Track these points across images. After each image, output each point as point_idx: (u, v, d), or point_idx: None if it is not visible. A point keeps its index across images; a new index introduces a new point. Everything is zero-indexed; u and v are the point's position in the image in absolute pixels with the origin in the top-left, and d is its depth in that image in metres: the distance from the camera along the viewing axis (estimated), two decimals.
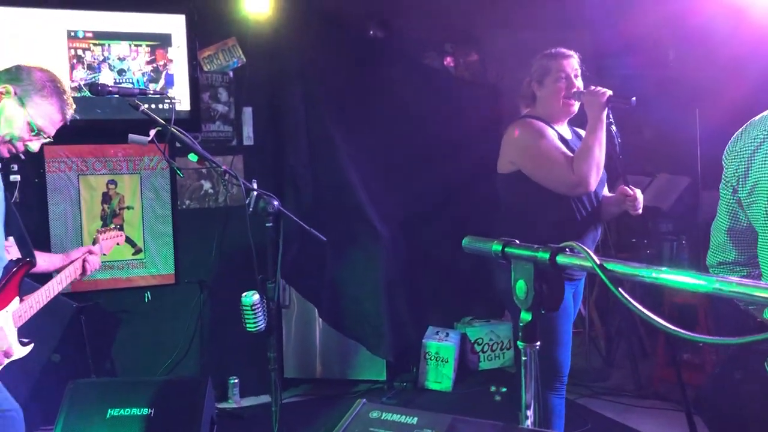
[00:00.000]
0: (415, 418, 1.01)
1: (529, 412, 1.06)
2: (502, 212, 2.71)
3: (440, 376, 4.15)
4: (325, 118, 4.06)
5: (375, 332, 4.04)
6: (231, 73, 3.97)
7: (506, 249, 1.05)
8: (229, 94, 3.98)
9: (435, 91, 4.43)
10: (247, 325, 2.85)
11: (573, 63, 2.66)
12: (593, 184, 2.52)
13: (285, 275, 4.07)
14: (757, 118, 1.72)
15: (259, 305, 2.80)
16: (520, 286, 1.03)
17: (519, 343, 1.08)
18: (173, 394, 3.11)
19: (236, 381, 3.97)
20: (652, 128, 5.46)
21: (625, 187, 2.60)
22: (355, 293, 4.06)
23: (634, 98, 2.56)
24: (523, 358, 1.08)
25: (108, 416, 2.95)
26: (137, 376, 3.71)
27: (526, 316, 1.05)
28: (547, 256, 0.98)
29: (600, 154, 2.53)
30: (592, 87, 2.59)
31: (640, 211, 2.62)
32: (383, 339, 4.02)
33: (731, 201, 1.76)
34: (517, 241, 1.07)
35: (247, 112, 4.00)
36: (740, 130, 1.76)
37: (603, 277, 0.92)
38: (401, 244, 4.16)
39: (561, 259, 0.97)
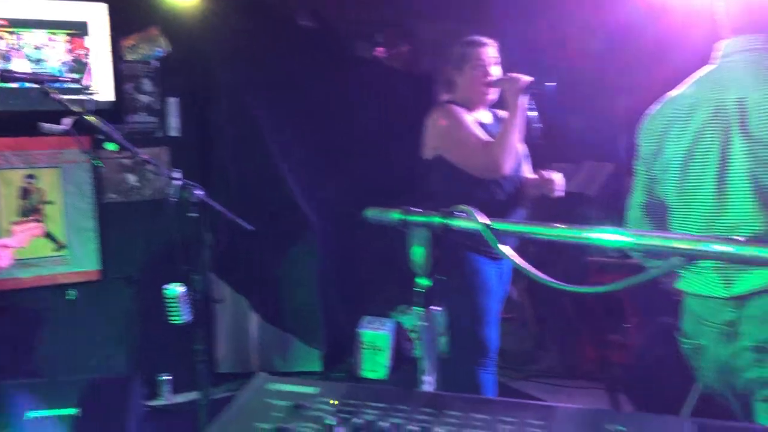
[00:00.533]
0: (316, 388, 1.00)
1: (429, 379, 1.07)
2: (429, 197, 2.73)
3: (375, 365, 4.16)
4: (253, 108, 4.01)
5: (309, 324, 4.02)
6: (155, 63, 3.87)
7: (405, 217, 1.06)
8: (153, 84, 3.88)
9: (365, 82, 4.42)
10: (172, 318, 2.80)
11: (490, 51, 2.74)
12: (507, 168, 2.59)
13: (216, 269, 4.01)
14: (670, 95, 1.78)
15: (184, 297, 2.76)
16: (418, 252, 1.04)
17: (417, 308, 1.09)
18: (99, 393, 3.03)
19: (168, 378, 3.89)
20: (579, 117, 5.60)
21: (544, 171, 2.68)
22: (287, 285, 4.03)
23: (552, 83, 2.65)
24: (422, 324, 1.09)
25: (31, 417, 2.86)
26: (63, 376, 3.59)
27: (423, 282, 1.06)
28: (440, 220, 0.99)
29: (515, 139, 2.61)
30: (510, 74, 2.66)
31: (560, 194, 2.70)
32: (317, 330, 4.01)
33: (646, 177, 1.81)
34: (417, 208, 1.08)
35: (173, 102, 3.91)
36: (654, 110, 1.81)
37: (487, 234, 0.93)
38: (334, 235, 4.15)
39: (453, 222, 0.99)
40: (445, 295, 2.79)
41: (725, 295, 1.60)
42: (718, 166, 1.61)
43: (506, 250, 0.93)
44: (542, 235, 0.92)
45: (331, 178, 4.17)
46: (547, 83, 2.62)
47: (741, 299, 1.57)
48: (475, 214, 0.95)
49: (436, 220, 1.00)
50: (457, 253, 2.61)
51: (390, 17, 4.88)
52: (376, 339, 4.18)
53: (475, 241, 2.60)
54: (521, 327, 4.54)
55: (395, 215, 1.06)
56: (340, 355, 4.28)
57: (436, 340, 1.09)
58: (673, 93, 1.76)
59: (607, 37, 5.60)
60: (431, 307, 1.08)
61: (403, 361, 4.37)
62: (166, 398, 3.89)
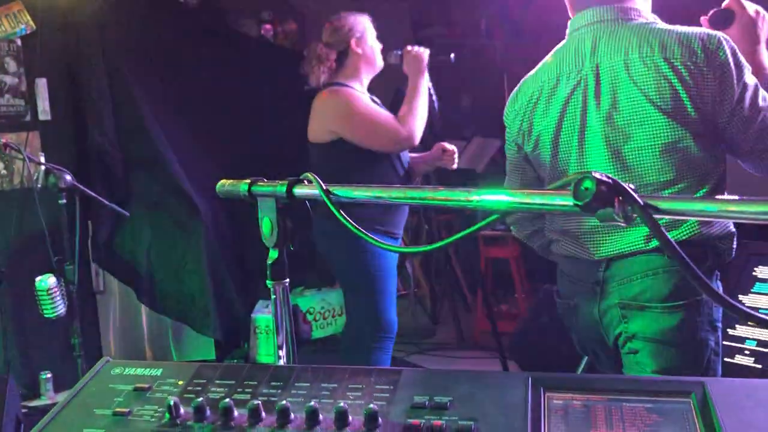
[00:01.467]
0: (160, 370, 0.96)
1: (281, 353, 1.05)
2: (325, 181, 2.71)
3: (272, 349, 4.10)
4: (132, 89, 3.81)
5: (200, 311, 3.90)
6: (19, 41, 3.60)
7: (252, 188, 1.03)
8: (18, 65, 3.61)
9: (252, 60, 4.31)
10: (45, 311, 2.65)
11: None
12: (419, 138, 2.65)
13: (97, 258, 3.82)
14: (529, 76, 1.82)
15: (55, 289, 2.61)
16: (266, 224, 1.01)
17: (267, 282, 1.06)
18: None
19: (49, 375, 3.67)
20: (468, 95, 5.72)
21: (444, 143, 2.75)
22: (175, 272, 3.89)
23: (452, 54, 2.79)
24: (273, 297, 1.06)
25: None
26: None
27: (273, 254, 1.03)
28: (284, 189, 0.96)
29: (425, 109, 2.67)
30: (410, 47, 2.72)
31: (456, 166, 2.79)
32: (210, 317, 3.89)
33: (518, 158, 1.85)
34: (265, 180, 1.04)
35: (41, 83, 3.66)
36: (515, 90, 1.84)
37: (327, 201, 0.91)
38: (224, 218, 4.04)
39: (297, 190, 0.96)
40: (346, 275, 2.78)
41: (594, 257, 1.67)
42: (578, 134, 1.67)
43: (342, 213, 0.91)
44: (392, 200, 0.91)
45: (219, 160, 4.04)
46: (447, 53, 2.75)
47: (608, 261, 1.65)
48: (318, 181, 0.93)
49: (280, 189, 0.97)
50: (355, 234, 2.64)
51: None
52: (271, 323, 4.11)
53: (372, 221, 2.63)
54: (417, 302, 4.61)
55: (243, 187, 1.02)
56: (235, 341, 4.19)
57: (289, 313, 1.07)
58: (532, 72, 1.81)
59: (495, 15, 5.71)
60: (281, 279, 1.06)
61: (301, 343, 4.34)
62: (48, 397, 3.67)
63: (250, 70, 4.25)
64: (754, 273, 2.91)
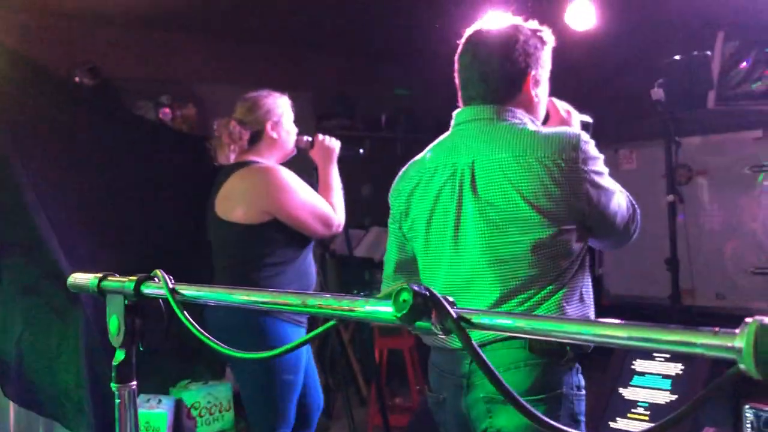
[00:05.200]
0: None
1: None
2: (236, 264, 2.59)
3: None
4: (13, 168, 3.61)
5: (74, 407, 3.60)
6: None
7: (101, 283, 0.96)
8: None
9: (148, 143, 4.22)
10: None
11: None
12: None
13: None
14: (417, 158, 1.88)
15: None
16: (113, 322, 0.94)
17: (112, 384, 0.99)
18: None
19: None
20: (368, 185, 5.82)
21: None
22: (48, 365, 3.60)
23: (361, 150, 3.04)
24: (117, 401, 0.98)
25: None
26: None
27: (119, 355, 0.96)
28: (132, 286, 0.91)
29: (342, 199, 2.72)
30: (321, 136, 2.73)
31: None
32: (84, 414, 3.59)
33: (399, 235, 1.88)
34: (117, 275, 0.98)
35: None
36: (402, 170, 1.90)
37: (171, 301, 0.86)
38: (102, 306, 3.80)
39: (145, 287, 0.91)
40: (247, 367, 2.58)
41: (461, 345, 1.66)
42: (454, 225, 1.71)
43: (186, 315, 0.86)
44: (248, 304, 0.87)
45: (105, 246, 3.85)
46: (356, 148, 2.88)
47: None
48: (165, 278, 0.88)
49: (128, 285, 0.92)
50: (256, 322, 2.48)
51: (178, 79, 4.77)
52: (151, 419, 3.85)
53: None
54: None
55: (92, 282, 0.95)
56: None
57: (135, 420, 0.98)
58: (418, 156, 1.87)
59: (397, 110, 5.92)
60: (127, 382, 0.98)
61: None
62: None
63: (145, 153, 4.15)
64: (632, 366, 3.02)
